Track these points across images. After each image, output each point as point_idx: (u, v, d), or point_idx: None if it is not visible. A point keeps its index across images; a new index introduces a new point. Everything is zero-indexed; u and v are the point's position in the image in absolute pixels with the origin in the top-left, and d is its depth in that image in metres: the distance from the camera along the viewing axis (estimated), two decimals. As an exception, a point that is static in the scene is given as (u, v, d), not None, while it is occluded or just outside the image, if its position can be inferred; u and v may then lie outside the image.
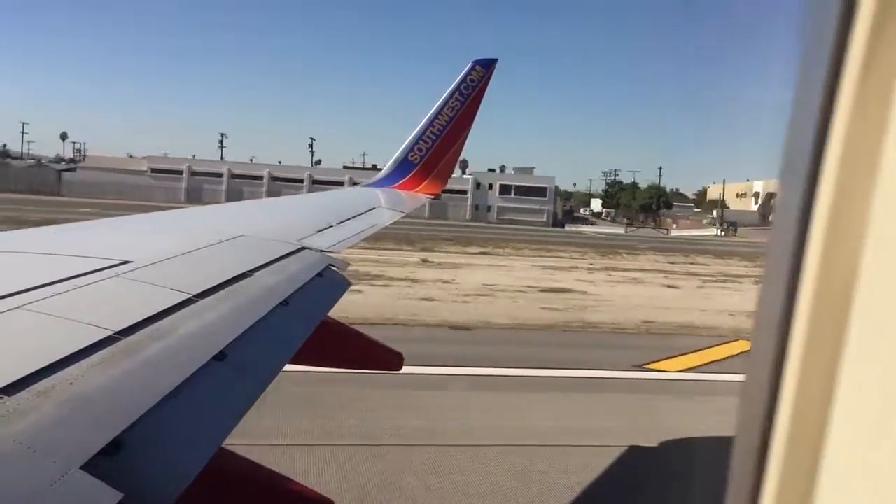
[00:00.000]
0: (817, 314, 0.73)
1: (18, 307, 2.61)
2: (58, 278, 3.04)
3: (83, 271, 3.24)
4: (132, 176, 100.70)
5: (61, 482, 1.64)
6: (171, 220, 6.56)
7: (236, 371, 2.69)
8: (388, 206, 10.48)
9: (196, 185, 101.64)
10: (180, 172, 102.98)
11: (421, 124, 13.68)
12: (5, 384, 1.94)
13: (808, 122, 0.75)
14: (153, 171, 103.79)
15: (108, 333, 2.50)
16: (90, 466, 1.73)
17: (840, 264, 0.72)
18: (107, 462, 1.80)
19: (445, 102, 13.49)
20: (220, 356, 2.68)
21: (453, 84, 13.58)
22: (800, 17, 0.80)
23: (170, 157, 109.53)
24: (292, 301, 3.74)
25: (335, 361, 5.83)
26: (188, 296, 3.18)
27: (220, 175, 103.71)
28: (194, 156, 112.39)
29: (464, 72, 13.60)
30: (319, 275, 4.63)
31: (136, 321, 2.70)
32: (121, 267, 3.46)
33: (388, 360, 5.97)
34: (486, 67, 13.68)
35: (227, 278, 3.69)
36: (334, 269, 5.00)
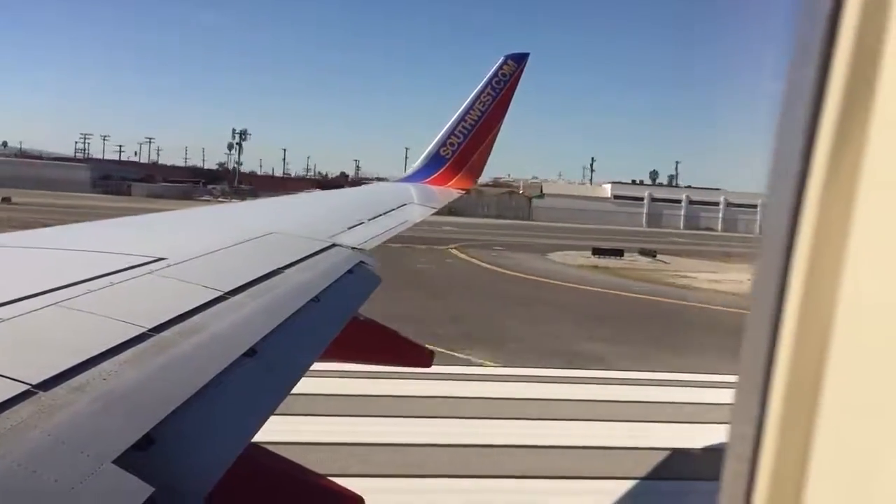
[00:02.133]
0: (805, 312, 0.74)
1: (55, 304, 2.67)
2: (93, 275, 3.11)
3: (117, 268, 3.30)
4: (595, 202, 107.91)
5: (94, 476, 1.68)
6: (204, 218, 6.64)
7: (266, 367, 2.72)
8: (419, 201, 10.50)
9: (656, 210, 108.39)
10: (641, 199, 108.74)
11: (452, 119, 13.63)
12: (41, 380, 1.99)
13: (797, 124, 0.76)
14: (616, 197, 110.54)
15: (142, 330, 2.55)
16: (123, 461, 1.77)
17: (827, 260, 0.72)
18: (139, 457, 1.83)
19: (477, 97, 13.43)
20: (250, 352, 2.72)
21: (485, 79, 13.52)
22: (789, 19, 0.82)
23: (632, 184, 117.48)
24: (323, 298, 3.78)
25: (365, 357, 5.86)
26: (220, 293, 3.23)
27: (678, 201, 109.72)
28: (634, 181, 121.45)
29: (495, 66, 13.51)
30: (350, 271, 4.66)
31: (168, 318, 2.74)
32: (154, 264, 3.52)
33: (419, 356, 5.99)
34: (517, 62, 13.60)
35: (258, 275, 3.73)
36: (366, 265, 5.02)
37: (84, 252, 3.84)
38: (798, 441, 0.75)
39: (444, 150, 13.51)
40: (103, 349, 2.31)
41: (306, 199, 9.21)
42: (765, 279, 0.80)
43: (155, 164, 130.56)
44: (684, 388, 15.34)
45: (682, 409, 13.54)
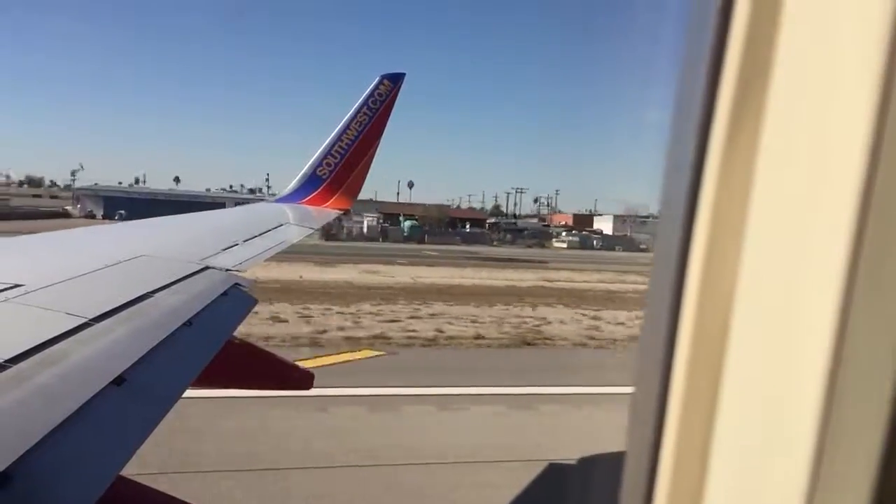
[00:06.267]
0: (701, 321, 0.76)
1: None
2: None
3: None
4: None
5: None
6: (68, 241, 6.30)
7: (135, 396, 2.61)
8: (296, 222, 10.35)
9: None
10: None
11: (329, 139, 13.56)
12: None
13: (688, 137, 0.78)
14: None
15: None
16: None
17: (721, 269, 0.74)
18: None
19: (354, 117, 13.43)
20: (118, 381, 2.60)
21: (361, 98, 13.54)
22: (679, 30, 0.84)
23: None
24: (195, 322, 3.66)
25: (242, 382, 5.71)
26: (84, 319, 3.07)
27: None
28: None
29: (372, 86, 13.57)
30: (224, 294, 4.55)
31: (27, 348, 2.59)
32: (11, 291, 3.31)
33: (299, 379, 5.90)
34: (394, 82, 13.71)
35: (126, 300, 3.58)
36: (241, 287, 4.91)
37: None
38: (696, 443, 0.76)
39: (320, 171, 13.41)
40: None
41: (178, 221, 8.89)
42: (660, 282, 0.81)
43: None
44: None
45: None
